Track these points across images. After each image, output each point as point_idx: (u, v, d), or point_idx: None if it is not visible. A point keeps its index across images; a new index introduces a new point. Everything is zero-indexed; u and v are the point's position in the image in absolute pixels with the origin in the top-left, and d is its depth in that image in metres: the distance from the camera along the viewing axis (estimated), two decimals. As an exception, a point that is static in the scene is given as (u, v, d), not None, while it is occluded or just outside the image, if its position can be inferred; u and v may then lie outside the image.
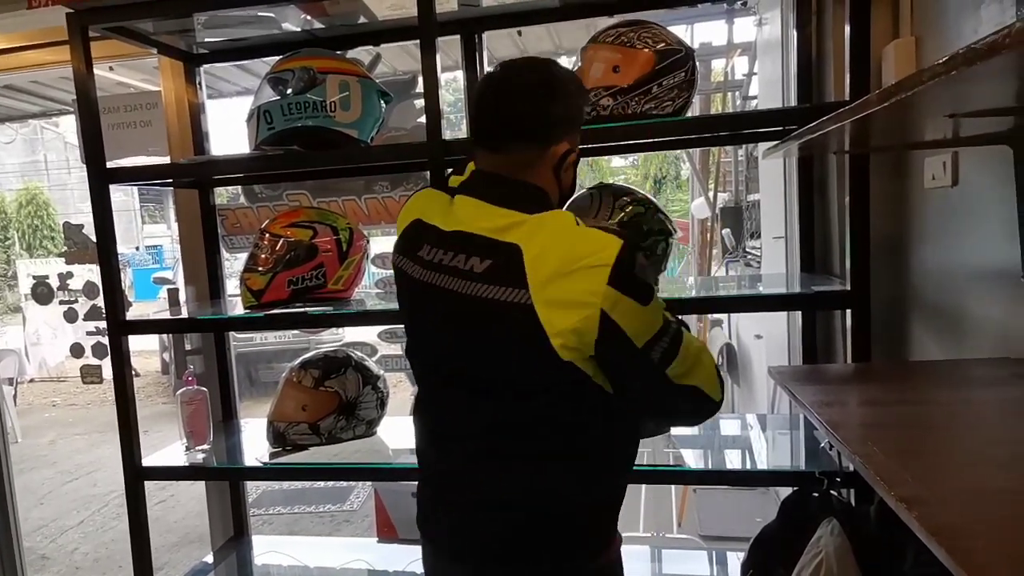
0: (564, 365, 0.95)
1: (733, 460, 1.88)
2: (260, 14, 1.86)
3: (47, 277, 2.82)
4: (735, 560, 2.04)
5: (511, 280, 0.96)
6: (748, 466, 1.82)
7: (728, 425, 2.48)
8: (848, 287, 1.52)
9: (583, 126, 1.14)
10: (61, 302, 2.78)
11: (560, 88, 1.06)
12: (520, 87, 1.06)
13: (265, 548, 2.38)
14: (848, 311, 1.54)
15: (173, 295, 2.17)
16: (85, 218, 2.49)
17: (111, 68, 2.57)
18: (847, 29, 1.46)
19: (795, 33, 1.90)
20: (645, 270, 0.97)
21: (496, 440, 1.05)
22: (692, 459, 1.82)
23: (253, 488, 4.13)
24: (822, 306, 1.85)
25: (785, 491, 1.45)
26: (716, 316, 5.12)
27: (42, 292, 2.83)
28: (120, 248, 1.86)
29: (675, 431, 1.81)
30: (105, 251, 1.83)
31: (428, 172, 1.71)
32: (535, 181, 1.07)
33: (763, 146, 1.97)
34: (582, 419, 1.03)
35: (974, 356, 1.26)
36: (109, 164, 1.83)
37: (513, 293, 0.96)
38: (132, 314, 1.94)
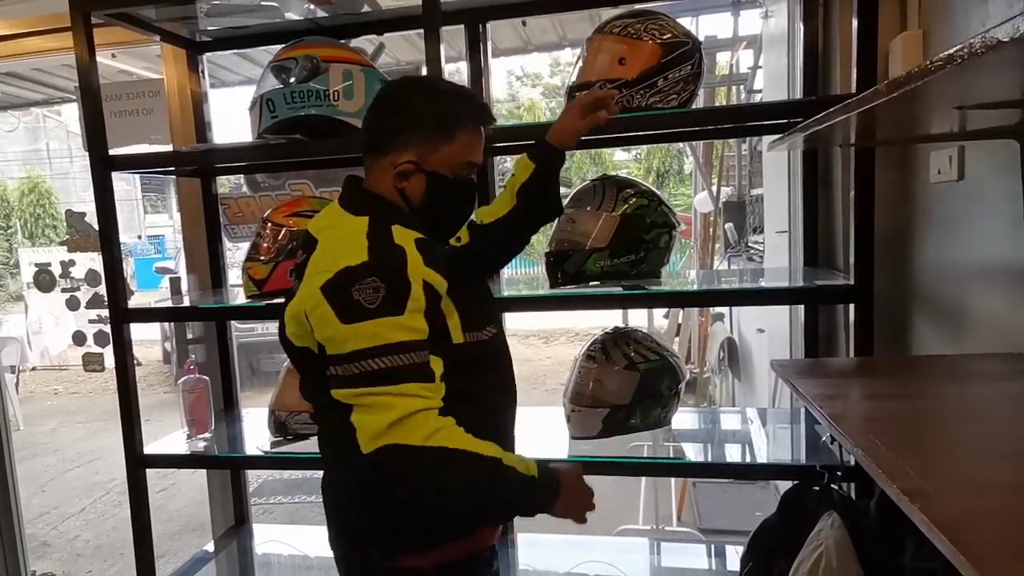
0: (303, 350, 1.04)
1: (733, 453, 1.88)
2: (263, 3, 1.85)
3: (49, 265, 2.83)
4: (734, 553, 2.04)
5: (302, 273, 1.04)
6: (748, 460, 1.82)
7: (728, 419, 2.49)
8: (852, 281, 1.51)
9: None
10: (63, 290, 2.79)
11: (400, 99, 1.10)
12: (374, 100, 1.12)
13: (266, 537, 2.39)
14: (851, 305, 1.53)
15: (175, 284, 2.17)
16: (87, 207, 2.49)
17: (113, 55, 2.56)
18: (854, 22, 1.45)
19: (801, 26, 1.89)
20: (378, 291, 0.94)
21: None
22: (692, 452, 1.82)
23: (254, 477, 4.14)
24: (825, 300, 1.85)
25: (785, 485, 1.45)
26: (718, 310, 5.12)
27: (44, 280, 2.83)
28: (122, 237, 1.86)
29: (675, 424, 1.82)
30: (107, 239, 1.83)
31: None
32: (374, 188, 1.11)
33: (767, 139, 1.97)
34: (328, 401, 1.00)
35: (977, 351, 1.26)
36: (111, 152, 1.83)
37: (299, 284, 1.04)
38: (134, 303, 1.94)
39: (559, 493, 1.05)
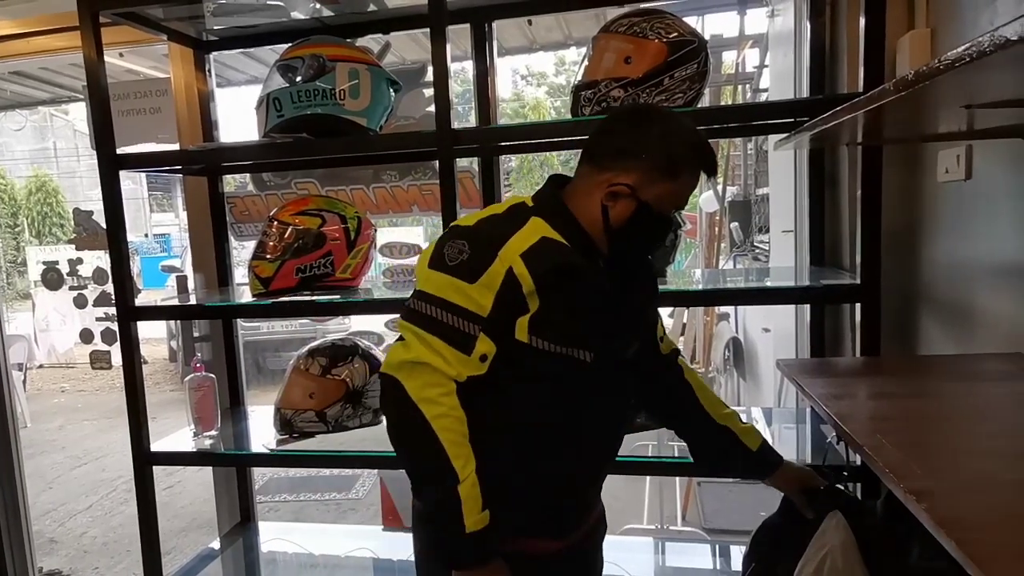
0: None
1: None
2: (269, 2, 1.86)
3: (56, 263, 2.84)
4: (739, 553, 2.04)
5: None
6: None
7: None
8: (858, 281, 1.51)
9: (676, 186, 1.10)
10: (71, 288, 2.80)
11: (642, 124, 1.10)
12: (612, 114, 1.16)
13: (271, 535, 2.40)
14: (857, 305, 1.53)
15: (182, 282, 2.18)
16: (94, 205, 2.50)
17: (121, 55, 2.58)
18: (861, 20, 1.44)
19: (808, 24, 1.89)
20: (462, 253, 1.05)
21: None
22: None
23: (259, 475, 4.16)
24: (832, 300, 1.84)
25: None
26: (723, 310, 5.11)
27: (52, 278, 2.85)
28: (128, 236, 1.87)
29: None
30: (115, 237, 1.84)
31: (436, 161, 1.70)
32: (574, 196, 1.12)
33: (773, 139, 1.96)
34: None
35: (984, 351, 1.26)
36: (119, 150, 1.83)
37: None
38: (140, 301, 1.95)
39: (469, 568, 1.04)
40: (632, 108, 1.21)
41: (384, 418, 1.14)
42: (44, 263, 2.91)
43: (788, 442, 1.96)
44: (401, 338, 1.06)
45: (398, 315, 1.10)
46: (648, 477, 3.28)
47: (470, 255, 1.03)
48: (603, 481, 1.26)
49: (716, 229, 5.32)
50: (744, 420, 1.32)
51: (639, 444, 1.73)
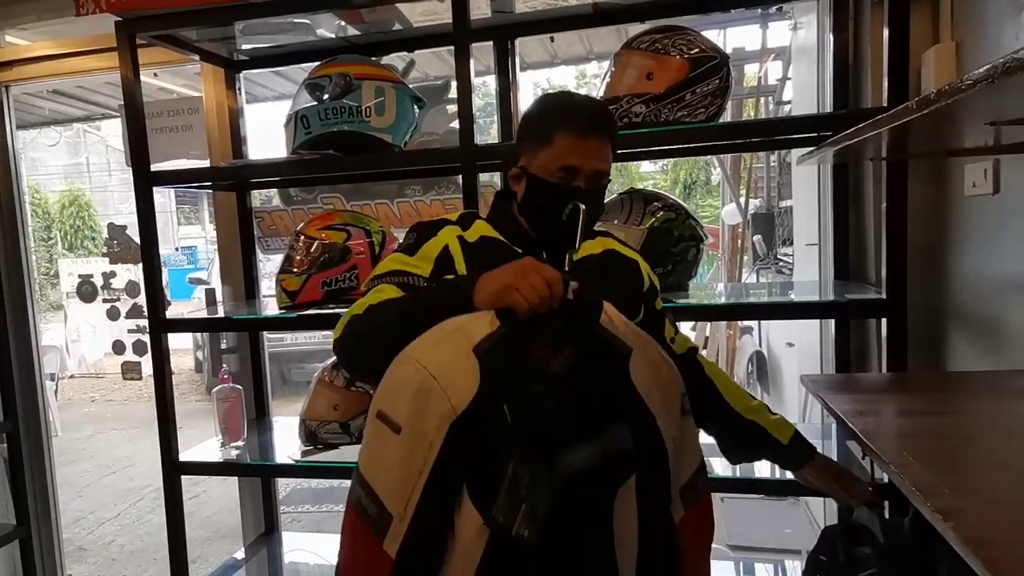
0: None
1: (762, 469, 1.85)
2: (296, 20, 1.91)
3: (91, 276, 2.91)
4: (763, 571, 2.01)
5: None
6: (778, 475, 1.79)
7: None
8: (884, 295, 1.49)
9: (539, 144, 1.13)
10: (104, 300, 2.87)
11: (526, 112, 1.20)
12: None
13: (294, 545, 2.42)
14: (884, 320, 1.51)
15: (210, 295, 2.22)
16: (124, 219, 2.56)
17: (155, 74, 2.65)
18: (885, 33, 1.44)
19: (831, 37, 1.88)
20: (408, 239, 1.17)
21: None
22: (719, 467, 1.80)
23: (283, 485, 4.19)
24: (857, 315, 1.82)
25: (816, 502, 1.43)
26: (746, 323, 5.06)
27: (86, 291, 2.92)
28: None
29: (702, 438, 1.80)
30: (148, 251, 1.89)
31: (460, 176, 1.73)
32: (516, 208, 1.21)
33: (796, 152, 1.95)
34: None
35: (1014, 367, 1.24)
36: (152, 167, 1.89)
37: None
38: (169, 314, 1.99)
39: (473, 291, 0.97)
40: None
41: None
42: (79, 276, 2.99)
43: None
44: None
45: None
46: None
47: (414, 240, 1.15)
48: None
49: (739, 242, 5.29)
50: (773, 412, 1.29)
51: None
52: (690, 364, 1.28)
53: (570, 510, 0.90)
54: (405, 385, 0.89)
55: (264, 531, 2.41)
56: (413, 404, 0.87)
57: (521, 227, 1.18)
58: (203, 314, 2.14)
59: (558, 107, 1.15)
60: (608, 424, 0.94)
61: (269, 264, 2.58)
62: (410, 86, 1.91)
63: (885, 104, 1.44)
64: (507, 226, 1.19)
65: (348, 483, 1.24)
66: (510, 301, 0.91)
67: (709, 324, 5.42)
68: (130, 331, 2.78)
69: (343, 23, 1.95)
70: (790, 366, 3.66)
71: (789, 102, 4.79)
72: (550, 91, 1.26)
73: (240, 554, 2.32)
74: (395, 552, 0.86)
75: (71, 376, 8.12)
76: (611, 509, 0.94)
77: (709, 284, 5.37)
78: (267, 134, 2.57)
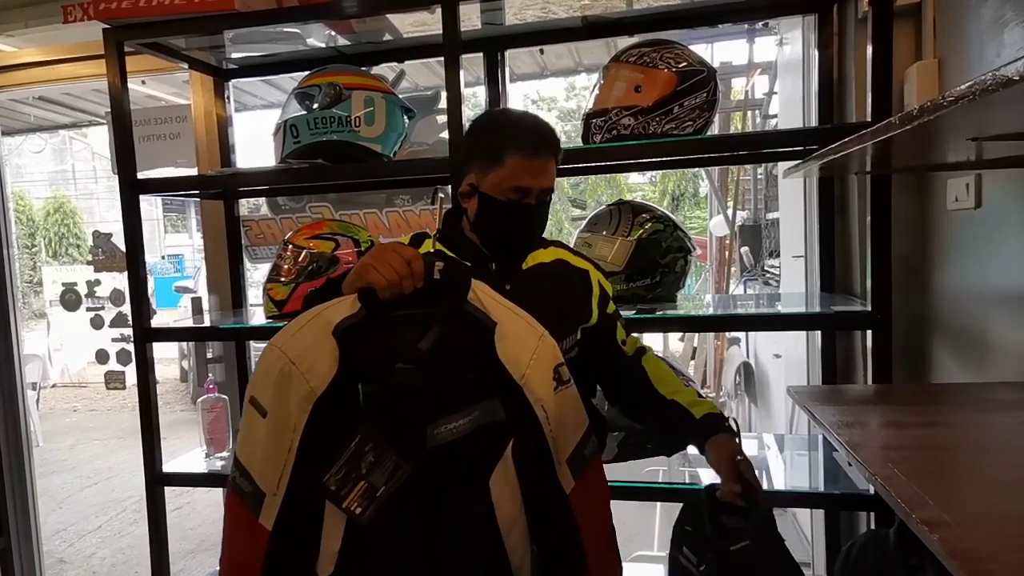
0: None
1: (750, 480, 1.85)
2: (286, 30, 1.91)
3: (75, 284, 2.88)
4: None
5: None
6: (765, 486, 1.80)
7: (745, 444, 2.45)
8: (869, 307, 1.51)
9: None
10: (88, 308, 2.84)
11: (473, 126, 1.23)
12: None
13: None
14: (869, 332, 1.53)
15: (196, 304, 2.20)
16: (110, 227, 2.54)
17: (143, 82, 2.64)
18: (869, 50, 1.46)
19: (816, 53, 1.91)
20: None
21: None
22: (707, 477, 1.80)
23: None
24: (843, 326, 1.84)
25: (803, 512, 1.43)
26: (734, 335, 5.09)
27: (70, 299, 2.89)
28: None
29: (691, 449, 1.81)
30: (134, 259, 1.87)
31: (449, 187, 1.73)
32: (464, 224, 1.24)
33: (783, 165, 1.98)
34: None
35: (997, 379, 1.25)
36: (139, 175, 1.87)
37: None
38: (155, 322, 1.97)
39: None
40: (478, 116, 1.28)
41: None
42: (63, 284, 2.95)
43: (800, 469, 1.94)
44: None
45: None
46: (658, 503, 3.24)
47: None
48: None
49: (726, 253, 5.33)
50: (704, 397, 1.28)
51: (649, 470, 1.73)
52: (636, 366, 1.31)
53: (442, 483, 0.97)
54: (269, 372, 0.95)
55: (249, 543, 2.38)
56: (276, 389, 0.93)
57: (471, 242, 1.23)
58: (189, 323, 2.12)
59: (509, 128, 1.18)
60: (479, 398, 0.99)
61: (256, 273, 2.56)
62: (400, 96, 1.91)
63: (869, 119, 1.47)
64: (457, 241, 1.23)
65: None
66: (368, 279, 0.96)
67: (697, 335, 5.45)
68: (114, 340, 2.75)
69: (333, 33, 1.96)
70: (777, 377, 3.68)
71: (775, 116, 4.84)
72: (494, 108, 1.31)
73: (224, 567, 2.29)
74: (271, 524, 0.94)
75: (53, 385, 8.01)
76: (488, 484, 0.98)
77: (697, 295, 5.40)
78: (256, 143, 2.56)
